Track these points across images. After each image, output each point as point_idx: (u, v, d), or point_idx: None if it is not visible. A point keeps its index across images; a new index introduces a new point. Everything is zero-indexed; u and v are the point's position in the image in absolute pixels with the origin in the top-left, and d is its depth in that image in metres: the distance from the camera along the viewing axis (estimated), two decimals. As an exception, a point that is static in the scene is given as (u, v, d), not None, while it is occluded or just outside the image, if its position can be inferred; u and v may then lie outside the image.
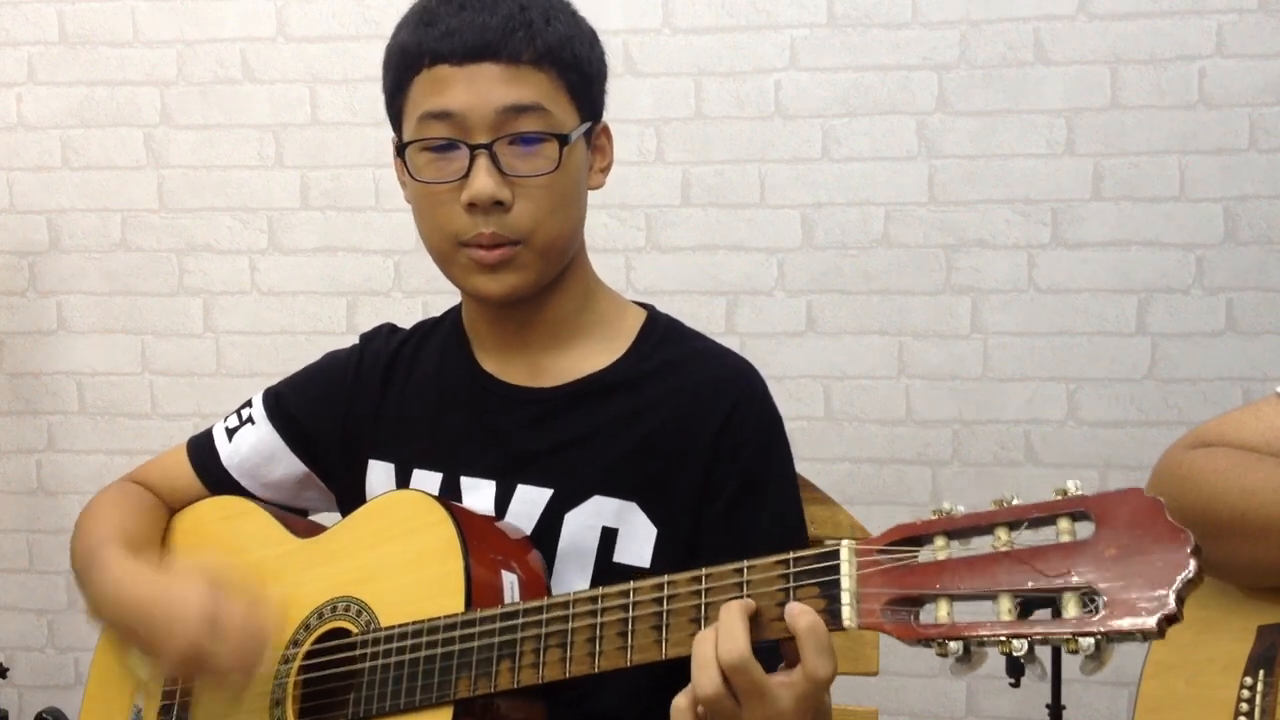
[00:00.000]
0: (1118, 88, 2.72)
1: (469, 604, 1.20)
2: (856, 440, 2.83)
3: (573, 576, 1.31)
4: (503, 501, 1.34)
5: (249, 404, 1.52)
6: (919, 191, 2.79)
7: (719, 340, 1.41)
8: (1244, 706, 1.27)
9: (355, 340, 1.53)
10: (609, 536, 1.31)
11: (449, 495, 1.35)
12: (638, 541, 1.30)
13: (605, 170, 1.39)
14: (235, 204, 3.01)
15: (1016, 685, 2.35)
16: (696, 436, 1.31)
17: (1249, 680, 1.28)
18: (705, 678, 1.02)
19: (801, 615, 1.00)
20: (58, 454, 3.10)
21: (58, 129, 3.06)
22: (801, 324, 2.84)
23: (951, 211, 2.79)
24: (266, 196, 3.00)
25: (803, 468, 1.56)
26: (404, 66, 1.30)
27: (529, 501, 1.33)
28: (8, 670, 2.94)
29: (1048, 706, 2.40)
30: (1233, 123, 2.69)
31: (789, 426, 1.39)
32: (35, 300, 3.09)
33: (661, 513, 1.31)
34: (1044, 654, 2.52)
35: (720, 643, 1.01)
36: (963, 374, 2.80)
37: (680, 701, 1.05)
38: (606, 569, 1.30)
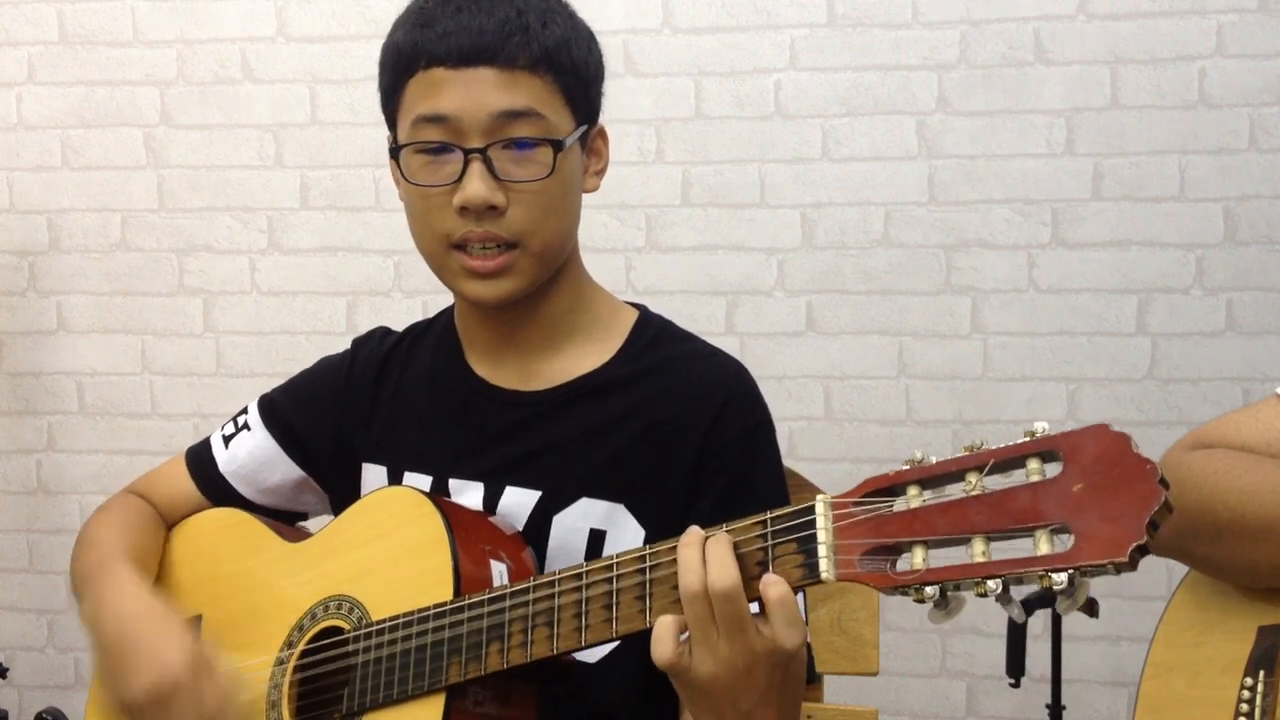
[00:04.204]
0: (1118, 88, 2.72)
1: (458, 595, 1.20)
2: (856, 440, 2.83)
3: None
4: (491, 504, 1.34)
5: (245, 411, 1.53)
6: (919, 191, 2.79)
7: (719, 341, 1.41)
8: (1244, 707, 1.27)
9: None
10: (597, 538, 1.30)
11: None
12: (626, 543, 1.29)
13: (600, 173, 1.38)
14: (235, 204, 3.01)
15: (1016, 685, 2.34)
16: (685, 438, 1.31)
17: (1249, 681, 1.28)
18: (690, 577, 1.03)
19: (773, 585, 1.01)
20: (58, 454, 3.10)
21: (58, 129, 3.06)
22: (801, 324, 2.84)
23: (951, 211, 2.79)
24: (266, 196, 3.00)
25: (803, 468, 1.56)
26: (399, 67, 1.29)
27: (517, 504, 1.32)
28: (8, 670, 2.94)
29: (1048, 706, 2.40)
30: (1233, 123, 2.69)
31: (789, 427, 1.39)
32: (35, 300, 3.09)
33: (650, 514, 1.30)
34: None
35: (711, 571, 1.02)
36: (963, 374, 2.80)
37: (666, 618, 1.05)
38: None
